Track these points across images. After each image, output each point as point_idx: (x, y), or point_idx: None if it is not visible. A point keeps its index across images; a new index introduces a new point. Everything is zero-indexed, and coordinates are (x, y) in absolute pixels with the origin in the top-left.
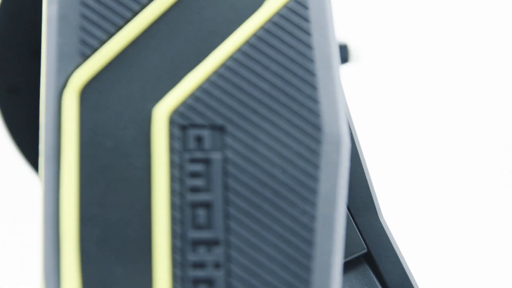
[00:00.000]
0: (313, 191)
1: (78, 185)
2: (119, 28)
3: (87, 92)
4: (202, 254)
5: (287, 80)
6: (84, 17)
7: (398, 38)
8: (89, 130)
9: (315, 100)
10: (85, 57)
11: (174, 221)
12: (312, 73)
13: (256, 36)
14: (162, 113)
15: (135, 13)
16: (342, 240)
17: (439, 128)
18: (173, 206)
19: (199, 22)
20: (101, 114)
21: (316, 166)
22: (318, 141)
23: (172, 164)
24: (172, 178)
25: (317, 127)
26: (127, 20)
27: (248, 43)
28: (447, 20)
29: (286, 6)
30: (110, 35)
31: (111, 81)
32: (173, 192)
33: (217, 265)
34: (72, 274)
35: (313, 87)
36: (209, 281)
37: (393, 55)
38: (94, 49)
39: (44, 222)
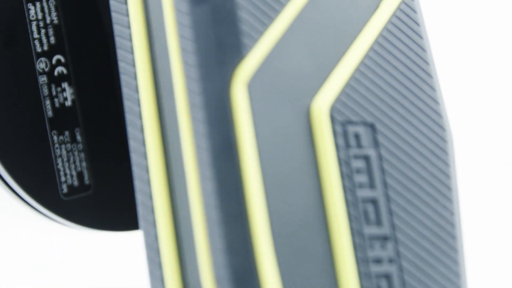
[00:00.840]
0: (448, 188)
1: (262, 180)
2: (271, 20)
3: (253, 85)
4: (378, 250)
5: (411, 80)
6: (243, 7)
7: None
8: (261, 124)
9: (436, 101)
10: (249, 48)
11: (350, 217)
12: (429, 75)
13: (382, 36)
14: (323, 110)
15: (282, 6)
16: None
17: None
18: (347, 203)
19: (330, 20)
20: (267, 108)
21: (446, 164)
22: (444, 140)
23: (340, 161)
24: (342, 175)
25: (442, 127)
26: (277, 13)
27: (377, 42)
28: (455, 20)
29: (399, 9)
30: (266, 26)
31: (270, 74)
32: (345, 188)
33: (390, 261)
34: (272, 273)
35: (432, 88)
36: (387, 276)
37: None
38: (255, 41)
39: (222, 222)
